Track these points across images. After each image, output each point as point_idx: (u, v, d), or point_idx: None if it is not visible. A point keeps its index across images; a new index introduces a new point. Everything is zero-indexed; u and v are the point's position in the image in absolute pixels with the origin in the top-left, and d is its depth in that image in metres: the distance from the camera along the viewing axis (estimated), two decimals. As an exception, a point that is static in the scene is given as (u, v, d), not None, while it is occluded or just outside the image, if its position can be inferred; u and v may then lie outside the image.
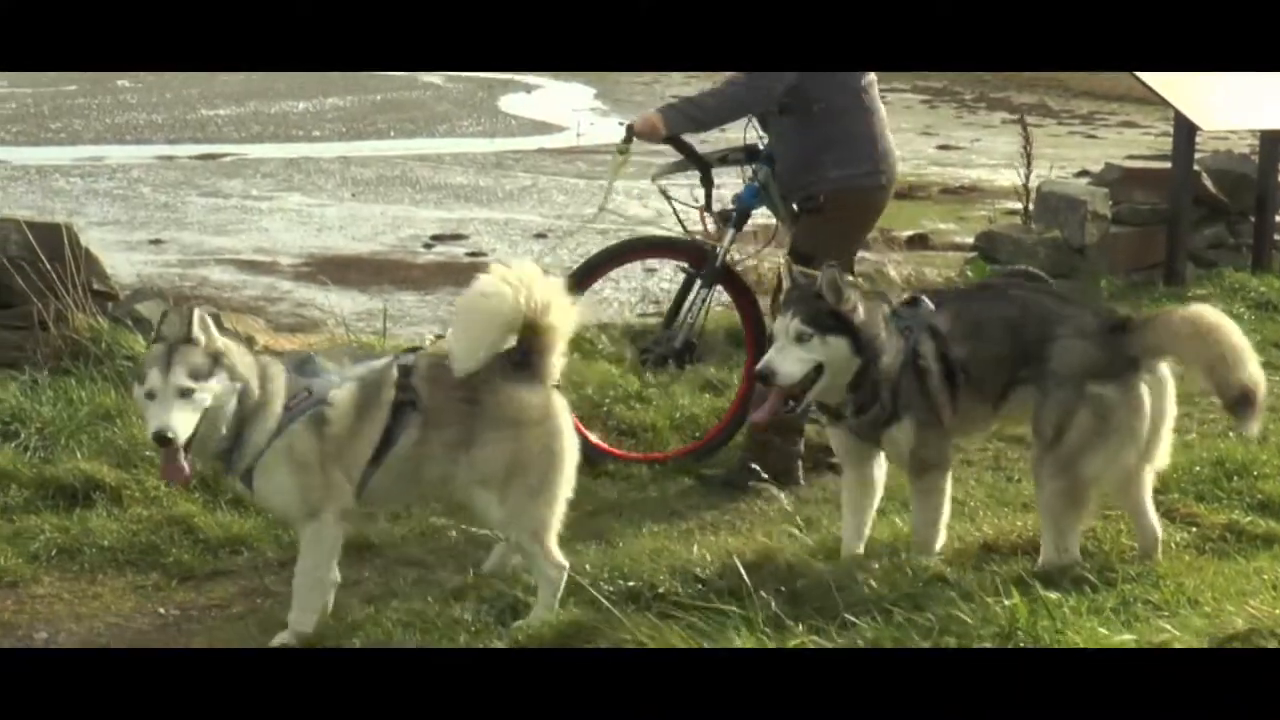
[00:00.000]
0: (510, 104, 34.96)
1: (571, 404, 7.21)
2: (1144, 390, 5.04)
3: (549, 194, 18.19)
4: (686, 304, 6.89)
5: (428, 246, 14.25)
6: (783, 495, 5.90)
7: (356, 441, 4.82)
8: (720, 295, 7.09)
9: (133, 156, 20.81)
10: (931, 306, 5.24)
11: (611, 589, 4.83)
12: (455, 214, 16.33)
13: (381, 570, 5.55)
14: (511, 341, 4.94)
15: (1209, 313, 5.10)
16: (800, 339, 4.99)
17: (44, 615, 5.17)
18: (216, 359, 4.57)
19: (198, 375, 4.51)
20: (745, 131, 6.93)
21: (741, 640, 4.14)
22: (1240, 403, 4.94)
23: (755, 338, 6.94)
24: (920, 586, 4.79)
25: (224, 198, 17.23)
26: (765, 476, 5.76)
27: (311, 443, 4.75)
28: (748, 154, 6.95)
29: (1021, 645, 4.17)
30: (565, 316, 4.98)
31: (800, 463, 6.70)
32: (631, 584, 4.96)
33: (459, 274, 12.41)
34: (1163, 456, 5.21)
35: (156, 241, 13.74)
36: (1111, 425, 5.01)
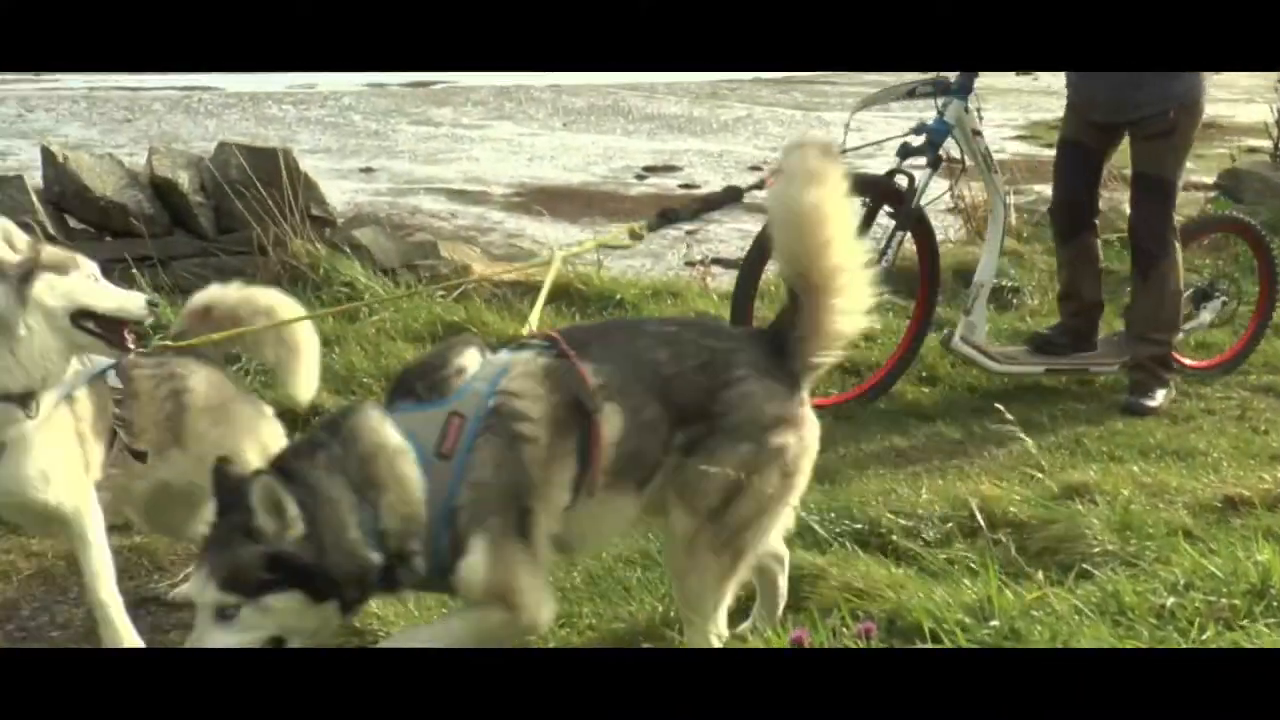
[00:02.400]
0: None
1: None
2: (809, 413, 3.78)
3: (764, 125, 17.94)
4: (881, 246, 6.53)
5: (640, 178, 14.13)
6: (1028, 439, 4.93)
7: None
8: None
9: (344, 83, 20.99)
10: (496, 373, 3.47)
11: (838, 530, 4.66)
12: (668, 145, 16.19)
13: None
14: None
15: None
16: (224, 615, 3.16)
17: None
18: None
19: None
20: None
21: (974, 586, 3.95)
22: None
23: (929, 279, 6.86)
24: (1164, 538, 4.55)
25: (434, 126, 17.29)
26: (1010, 419, 4.68)
27: None
28: (936, 87, 6.68)
29: (1273, 603, 3.92)
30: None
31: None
32: (858, 526, 4.78)
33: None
34: None
35: (367, 170, 13.83)
36: (793, 480, 3.69)
